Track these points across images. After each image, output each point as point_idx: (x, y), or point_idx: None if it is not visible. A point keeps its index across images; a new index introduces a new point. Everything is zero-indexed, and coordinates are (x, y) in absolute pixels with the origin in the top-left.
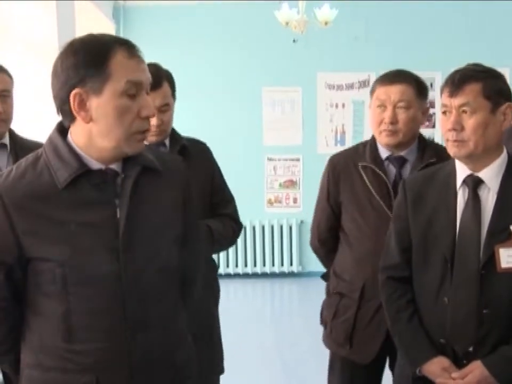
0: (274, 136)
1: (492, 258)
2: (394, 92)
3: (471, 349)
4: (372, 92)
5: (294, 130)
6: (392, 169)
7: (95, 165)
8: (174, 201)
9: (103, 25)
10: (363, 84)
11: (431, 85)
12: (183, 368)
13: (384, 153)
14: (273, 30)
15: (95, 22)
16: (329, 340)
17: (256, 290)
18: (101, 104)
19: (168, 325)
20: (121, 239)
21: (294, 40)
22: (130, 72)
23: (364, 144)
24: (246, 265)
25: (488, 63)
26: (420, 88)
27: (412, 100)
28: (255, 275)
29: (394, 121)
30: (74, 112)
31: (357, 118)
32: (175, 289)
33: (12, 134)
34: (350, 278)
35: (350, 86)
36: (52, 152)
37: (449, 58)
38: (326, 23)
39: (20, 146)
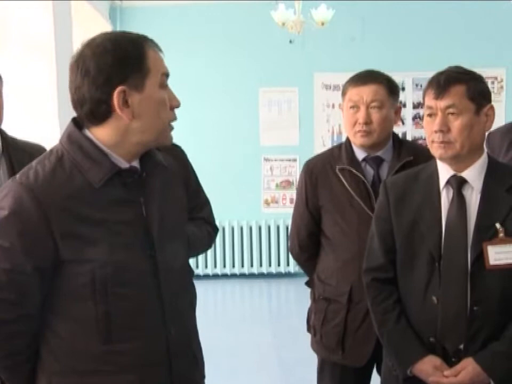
0: (271, 137)
1: (480, 256)
2: (366, 92)
3: (461, 346)
4: (344, 93)
5: (291, 131)
6: (369, 170)
7: (123, 163)
8: (182, 200)
9: (99, 25)
10: None
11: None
12: (199, 358)
13: (360, 154)
14: (270, 31)
15: (91, 22)
16: (319, 346)
17: (253, 290)
18: (143, 99)
19: (187, 319)
20: (155, 237)
21: (290, 41)
22: (162, 65)
23: (338, 147)
24: (242, 266)
25: (485, 63)
26: (391, 87)
27: (385, 99)
28: (252, 275)
29: (368, 122)
30: (118, 110)
31: None
32: (191, 285)
33: (3, 134)
34: (337, 282)
35: None
36: (77, 151)
37: (446, 57)
38: (322, 24)
39: (12, 147)
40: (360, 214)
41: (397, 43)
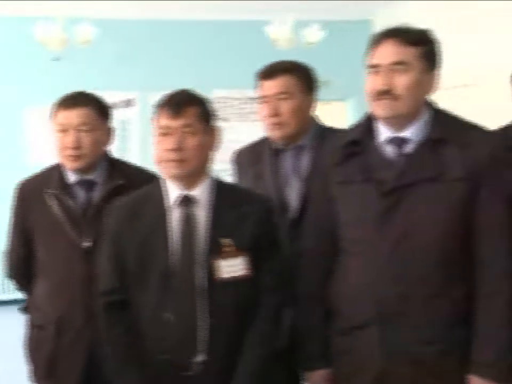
0: None
1: (211, 270)
2: (75, 115)
3: (200, 359)
4: (52, 116)
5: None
6: (81, 194)
7: None
8: None
9: None
10: (128, 103)
11: None
12: None
13: (72, 177)
14: (31, 48)
15: None
16: (34, 375)
17: None
18: None
19: None
20: None
21: (55, 59)
22: None
23: (52, 168)
24: None
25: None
26: (101, 109)
27: (94, 121)
28: None
29: (77, 146)
30: None
31: (122, 137)
32: None
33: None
34: (46, 309)
35: (114, 105)
36: None
37: (211, 78)
38: (87, 42)
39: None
40: (69, 240)
41: (164, 63)
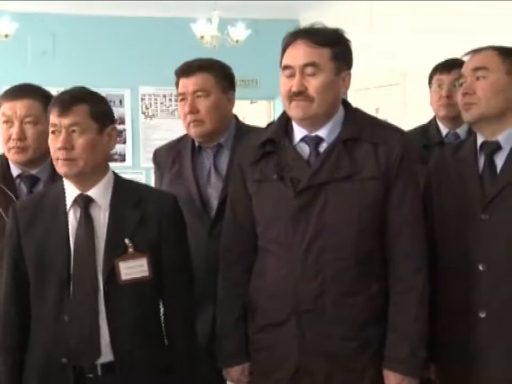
0: None
1: (112, 273)
2: (20, 107)
3: (104, 360)
4: None
5: None
6: (24, 189)
7: None
8: None
9: None
10: None
11: (120, 101)
12: None
13: (16, 171)
14: None
15: None
16: None
17: None
18: None
19: None
20: None
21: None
22: None
23: None
24: None
25: None
26: (47, 102)
27: (39, 113)
28: None
29: (22, 138)
30: None
31: None
32: None
33: None
34: None
35: None
36: None
37: (137, 76)
38: (6, 36)
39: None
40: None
41: (89, 60)
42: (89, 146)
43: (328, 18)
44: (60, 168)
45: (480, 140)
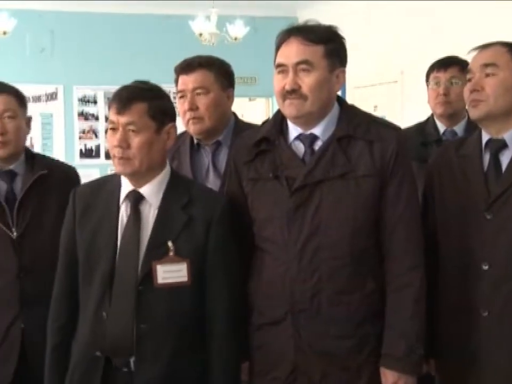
0: None
1: (149, 274)
2: None
3: (131, 360)
4: None
5: None
6: (2, 184)
7: None
8: None
9: None
10: (51, 96)
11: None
12: None
13: None
14: None
15: None
16: None
17: None
18: None
19: None
20: None
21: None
22: None
23: None
24: None
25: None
26: (21, 98)
27: (17, 109)
28: None
29: (4, 132)
30: None
31: (46, 131)
32: None
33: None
34: None
35: (37, 99)
36: None
37: (135, 73)
38: (4, 33)
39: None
40: None
41: (88, 56)
42: (145, 145)
43: (326, 16)
44: (116, 166)
45: (485, 137)
